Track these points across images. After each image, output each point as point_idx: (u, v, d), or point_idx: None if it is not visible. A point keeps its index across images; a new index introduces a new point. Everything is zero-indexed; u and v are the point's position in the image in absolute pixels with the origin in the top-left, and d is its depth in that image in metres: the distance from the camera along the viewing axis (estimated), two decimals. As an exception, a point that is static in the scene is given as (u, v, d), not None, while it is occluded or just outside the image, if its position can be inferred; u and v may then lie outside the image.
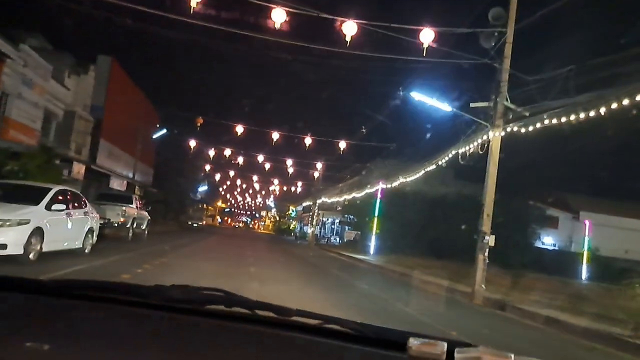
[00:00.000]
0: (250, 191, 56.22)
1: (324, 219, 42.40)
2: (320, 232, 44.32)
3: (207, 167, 54.10)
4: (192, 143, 30.76)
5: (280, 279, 9.88)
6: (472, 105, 10.13)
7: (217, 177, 42.86)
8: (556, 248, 36.28)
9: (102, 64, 26.91)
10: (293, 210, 67.12)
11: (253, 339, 1.06)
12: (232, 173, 35.61)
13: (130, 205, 13.98)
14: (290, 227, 65.94)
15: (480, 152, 10.55)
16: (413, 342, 0.93)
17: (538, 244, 32.70)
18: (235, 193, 71.61)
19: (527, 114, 9.79)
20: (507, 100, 9.81)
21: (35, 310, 1.11)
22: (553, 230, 35.84)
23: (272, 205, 79.98)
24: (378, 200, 24.29)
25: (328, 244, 36.46)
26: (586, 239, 28.75)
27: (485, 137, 10.36)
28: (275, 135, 19.33)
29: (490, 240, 10.01)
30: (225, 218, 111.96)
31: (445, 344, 0.93)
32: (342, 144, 21.76)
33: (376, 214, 24.27)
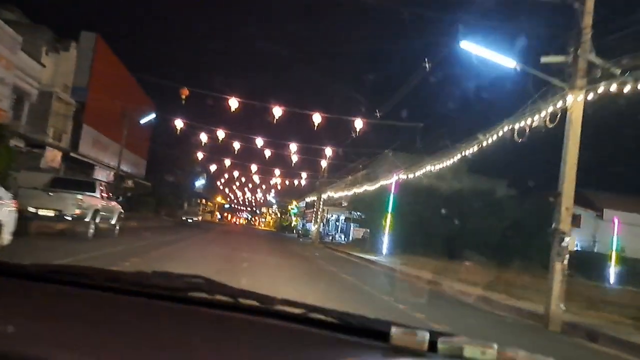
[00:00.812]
0: (250, 185, 53.41)
1: (328, 216, 39.75)
2: (324, 229, 41.72)
3: (204, 158, 51.75)
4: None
5: (284, 293, 7.28)
6: (543, 60, 7.50)
7: (215, 168, 40.11)
8: (578, 249, 33.61)
9: (85, 41, 24.32)
10: (295, 207, 64.45)
11: (235, 326, 1.04)
12: (229, 162, 32.84)
13: (91, 194, 10.97)
14: (292, 224, 63.34)
15: (549, 125, 7.92)
16: (395, 331, 0.94)
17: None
18: (234, 187, 68.63)
19: (618, 70, 7.15)
20: (591, 52, 7.16)
21: (14, 293, 1.07)
22: (574, 230, 33.30)
23: (273, 200, 77.28)
24: (392, 195, 21.66)
25: (333, 243, 33.88)
26: (614, 238, 26.07)
27: (554, 107, 7.71)
28: (278, 111, 16.34)
29: (570, 242, 7.40)
30: (225, 214, 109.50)
31: (428, 334, 0.93)
32: (358, 124, 18.64)
33: (389, 210, 21.65)
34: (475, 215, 24.32)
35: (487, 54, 7.61)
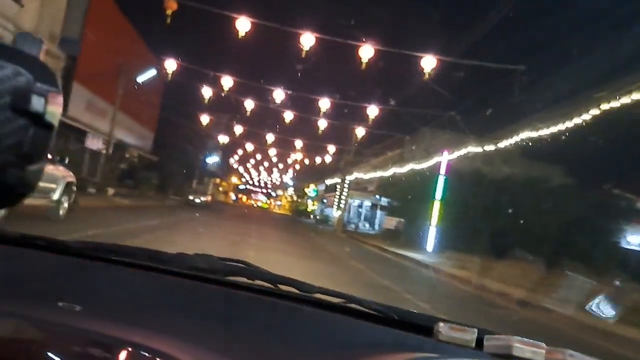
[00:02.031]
0: (266, 164, 49.40)
1: (352, 201, 35.78)
2: (346, 216, 37.90)
3: (212, 124, 48.13)
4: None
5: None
6: None
7: (228, 140, 36.34)
8: (642, 249, 29.04)
9: (78, -19, 20.51)
10: (313, 190, 60.64)
11: (276, 312, 1.04)
12: (243, 129, 28.96)
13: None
14: (309, 209, 59.61)
15: None
16: (442, 326, 0.93)
17: (622, 244, 25.91)
18: (249, 166, 64.65)
19: None
20: None
21: (64, 270, 1.09)
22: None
23: (289, 182, 73.49)
24: (442, 179, 17.65)
25: (358, 232, 29.99)
26: None
27: None
28: (308, 40, 11.79)
29: None
30: (240, 195, 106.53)
31: (476, 330, 0.92)
32: (428, 63, 13.79)
33: (436, 197, 17.67)
34: (529, 208, 20.30)
35: None
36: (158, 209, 19.18)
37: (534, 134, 17.68)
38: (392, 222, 24.38)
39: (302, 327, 1.01)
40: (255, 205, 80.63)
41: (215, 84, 15.80)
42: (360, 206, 41.13)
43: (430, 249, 17.50)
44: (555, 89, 15.54)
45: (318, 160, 37.88)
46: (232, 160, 67.24)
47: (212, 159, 48.52)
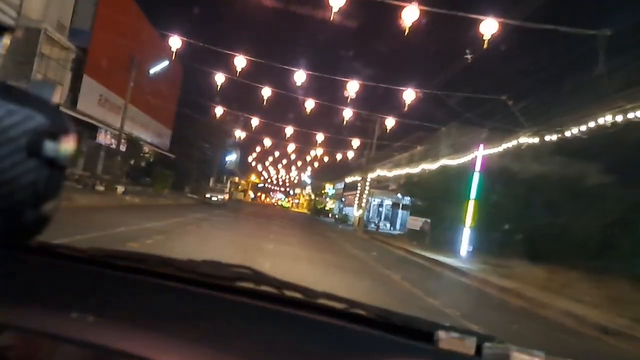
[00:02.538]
0: (284, 161, 48.03)
1: (372, 200, 34.30)
2: (366, 216, 36.48)
3: (231, 119, 47.27)
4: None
5: None
6: None
7: (247, 138, 35.18)
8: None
9: (88, -30, 19.62)
10: (331, 188, 59.29)
11: (280, 318, 1.05)
12: (263, 130, 27.79)
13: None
14: (327, 208, 58.34)
15: None
16: (442, 334, 0.94)
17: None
18: (267, 164, 63.46)
19: None
20: None
21: (76, 279, 1.08)
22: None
23: (307, 180, 72.26)
24: (476, 176, 16.15)
25: (379, 233, 28.57)
26: None
27: None
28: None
29: None
30: (259, 194, 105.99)
31: (475, 338, 0.93)
32: (488, 27, 12.17)
33: (471, 195, 16.19)
34: (565, 208, 18.58)
35: None
36: (170, 208, 18.13)
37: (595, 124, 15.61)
38: (417, 223, 22.90)
39: (305, 334, 1.01)
40: (276, 204, 78.70)
41: (231, 68, 14.33)
42: (381, 205, 39.67)
43: (463, 252, 16.02)
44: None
45: (337, 157, 36.56)
46: (250, 159, 66.39)
47: (231, 157, 47.52)
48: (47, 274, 1.08)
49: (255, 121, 24.57)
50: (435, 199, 22.76)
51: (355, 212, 30.80)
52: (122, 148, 20.15)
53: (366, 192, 26.72)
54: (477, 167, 16.24)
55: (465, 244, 16.10)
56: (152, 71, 22.10)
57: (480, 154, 16.23)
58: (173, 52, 14.34)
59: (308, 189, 79.59)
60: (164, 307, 1.03)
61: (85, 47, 19.56)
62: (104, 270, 1.14)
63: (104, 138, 20.73)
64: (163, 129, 32.89)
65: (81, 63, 19.66)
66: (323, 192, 60.62)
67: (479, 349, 0.92)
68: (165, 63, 22.27)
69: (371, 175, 26.83)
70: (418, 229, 22.73)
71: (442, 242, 21.08)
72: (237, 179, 70.43)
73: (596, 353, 5.50)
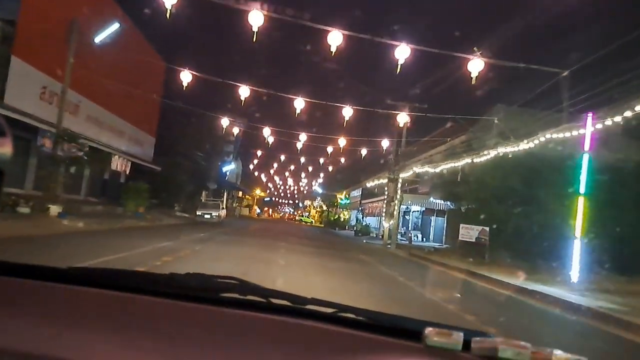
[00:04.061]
0: (292, 167, 42.17)
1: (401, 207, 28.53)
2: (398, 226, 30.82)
3: (239, 139, 41.99)
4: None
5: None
6: None
7: (250, 145, 29.82)
8: None
9: None
10: (344, 198, 53.63)
11: (268, 326, 1.04)
12: (267, 131, 22.37)
13: None
14: (343, 219, 52.68)
15: None
16: (429, 331, 0.93)
17: None
18: (273, 172, 57.47)
19: None
20: None
21: (52, 298, 1.08)
22: None
23: (319, 190, 66.52)
24: (585, 159, 10.49)
25: (414, 246, 22.89)
26: None
27: None
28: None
29: None
30: (266, 208, 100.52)
31: (462, 333, 0.92)
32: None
33: (580, 191, 10.54)
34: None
35: None
36: (135, 234, 12.50)
37: None
38: (471, 233, 17.24)
39: (295, 339, 1.00)
40: (290, 218, 71.21)
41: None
42: (406, 212, 33.93)
43: (572, 276, 10.36)
44: None
45: (353, 160, 31.07)
46: (254, 168, 61.01)
47: (229, 167, 42.08)
48: (19, 294, 1.06)
49: (256, 122, 19.12)
50: (494, 199, 17.19)
51: (383, 223, 25.11)
52: (60, 152, 14.65)
53: (398, 196, 21.10)
54: (586, 146, 10.61)
55: (575, 263, 10.43)
56: (98, 39, 16.72)
57: (588, 128, 10.61)
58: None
59: (318, 201, 73.95)
60: (145, 321, 1.00)
61: (12, 19, 14.38)
62: (79, 288, 1.12)
63: (48, 144, 15.34)
64: (144, 136, 27.59)
65: (8, 40, 14.43)
66: (336, 202, 54.88)
67: (468, 344, 0.91)
68: (115, 26, 16.91)
69: (403, 175, 21.20)
70: (473, 240, 17.07)
71: (508, 257, 15.53)
72: (240, 194, 65.10)
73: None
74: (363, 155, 25.78)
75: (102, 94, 20.75)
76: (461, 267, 13.75)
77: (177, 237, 12.91)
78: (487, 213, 17.63)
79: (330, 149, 25.05)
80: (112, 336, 0.89)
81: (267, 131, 23.11)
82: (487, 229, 16.92)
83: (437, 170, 19.67)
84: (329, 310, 1.11)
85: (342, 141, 22.79)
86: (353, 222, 49.00)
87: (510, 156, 17.11)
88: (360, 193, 43.24)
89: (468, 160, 19.66)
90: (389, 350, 0.97)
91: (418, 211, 31.51)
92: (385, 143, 22.82)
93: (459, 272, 13.00)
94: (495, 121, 19.74)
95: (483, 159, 18.81)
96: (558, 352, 0.87)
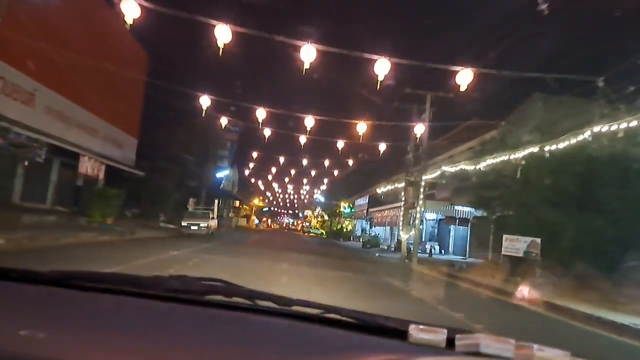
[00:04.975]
0: (293, 171, 38.49)
1: (413, 214, 25.02)
2: (399, 235, 27.32)
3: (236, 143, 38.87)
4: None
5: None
6: None
7: (248, 149, 26.55)
8: None
9: None
10: (347, 207, 50.19)
11: (252, 327, 1.04)
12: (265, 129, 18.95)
13: None
14: (347, 229, 49.22)
15: None
16: (413, 329, 0.93)
17: None
18: (271, 178, 53.69)
19: None
20: None
21: (32, 299, 1.07)
22: None
23: (321, 198, 62.93)
24: None
25: (437, 260, 19.47)
26: None
27: None
28: None
29: None
30: (265, 219, 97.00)
31: (446, 331, 0.93)
32: None
33: None
34: None
35: None
36: (66, 253, 9.02)
37: None
38: (517, 246, 13.84)
39: (279, 340, 0.99)
40: (303, 233, 66.19)
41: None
42: (422, 221, 30.46)
43: None
44: None
45: (354, 166, 27.66)
46: (252, 176, 57.54)
47: (223, 173, 38.68)
48: (2, 296, 1.05)
49: (255, 123, 15.90)
50: (544, 204, 13.90)
51: (400, 233, 21.67)
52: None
53: (420, 202, 17.65)
54: None
55: None
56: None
57: None
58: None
59: (318, 210, 70.40)
60: (128, 322, 0.98)
61: None
62: (62, 290, 1.11)
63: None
64: (123, 136, 24.27)
65: None
66: (339, 211, 51.40)
67: (451, 342, 0.90)
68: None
69: (427, 177, 17.72)
70: (520, 255, 13.70)
71: (567, 276, 12.36)
72: (237, 203, 61.56)
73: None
74: (370, 158, 22.40)
75: (66, 83, 17.50)
76: (512, 290, 10.37)
77: (132, 259, 9.36)
78: (532, 221, 14.28)
79: (340, 145, 21.56)
80: (98, 337, 0.88)
81: (266, 132, 19.79)
82: (539, 240, 13.55)
83: (471, 168, 16.29)
84: (315, 311, 1.11)
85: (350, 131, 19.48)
86: (358, 233, 45.50)
87: (558, 152, 13.94)
88: (367, 201, 39.77)
89: (504, 158, 16.37)
90: (374, 348, 0.96)
91: (433, 220, 28.07)
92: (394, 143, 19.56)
93: (505, 297, 9.58)
94: (536, 110, 16.46)
95: (522, 155, 15.54)
96: (540, 347, 0.87)
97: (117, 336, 0.90)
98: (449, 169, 16.56)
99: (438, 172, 17.48)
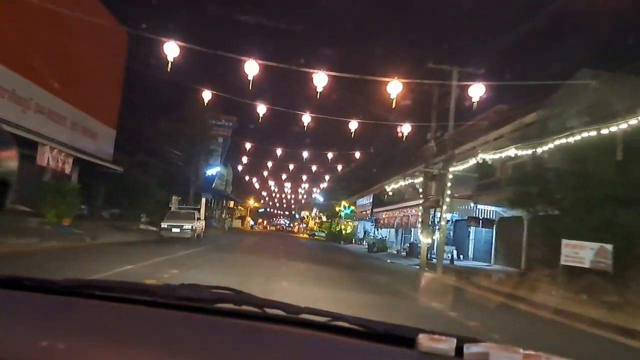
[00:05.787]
0: (290, 167, 35.39)
1: (434, 214, 21.96)
2: (413, 238, 24.30)
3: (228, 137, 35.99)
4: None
5: None
6: None
7: (241, 144, 23.66)
8: None
9: None
10: (347, 207, 47.13)
11: (262, 336, 1.04)
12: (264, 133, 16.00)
13: None
14: (347, 231, 46.19)
15: None
16: (422, 337, 0.93)
17: None
18: (266, 175, 50.35)
19: None
20: None
21: (48, 309, 1.08)
22: None
23: (320, 198, 59.78)
24: None
25: (460, 268, 16.53)
26: None
27: None
28: None
29: None
30: (260, 220, 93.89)
31: (455, 340, 0.92)
32: None
33: None
34: None
35: None
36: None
37: None
38: (582, 254, 10.91)
39: (289, 348, 0.99)
40: (308, 235, 62.56)
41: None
42: (432, 222, 27.47)
43: None
44: None
45: (357, 162, 24.73)
46: (246, 175, 54.41)
47: (215, 170, 35.58)
48: (15, 305, 1.04)
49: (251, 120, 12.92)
50: (612, 202, 11.04)
51: (420, 237, 18.62)
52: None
53: (446, 200, 14.64)
54: None
55: None
56: None
57: None
58: None
59: (316, 212, 67.31)
60: (141, 331, 1.00)
61: None
62: (75, 300, 1.11)
63: None
64: (98, 126, 21.18)
65: None
66: (339, 210, 48.35)
67: (460, 351, 0.90)
68: None
69: (454, 169, 14.68)
70: (586, 265, 10.79)
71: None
72: (232, 204, 58.41)
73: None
74: (376, 152, 19.45)
75: (22, 58, 14.49)
76: (598, 318, 7.46)
77: (49, 276, 6.47)
78: (594, 223, 11.39)
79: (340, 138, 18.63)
80: (108, 346, 0.88)
81: (264, 132, 16.78)
82: (610, 247, 10.62)
83: (508, 156, 13.35)
84: (323, 318, 1.11)
85: (354, 124, 16.51)
86: (360, 235, 42.50)
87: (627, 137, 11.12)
88: (371, 200, 36.71)
89: (550, 145, 13.45)
90: (383, 356, 0.96)
91: (449, 220, 25.12)
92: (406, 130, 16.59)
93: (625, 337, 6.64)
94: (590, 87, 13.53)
95: (574, 140, 12.62)
96: (549, 357, 0.87)
97: (131, 345, 0.90)
98: (489, 155, 13.56)
99: (470, 163, 14.45)
